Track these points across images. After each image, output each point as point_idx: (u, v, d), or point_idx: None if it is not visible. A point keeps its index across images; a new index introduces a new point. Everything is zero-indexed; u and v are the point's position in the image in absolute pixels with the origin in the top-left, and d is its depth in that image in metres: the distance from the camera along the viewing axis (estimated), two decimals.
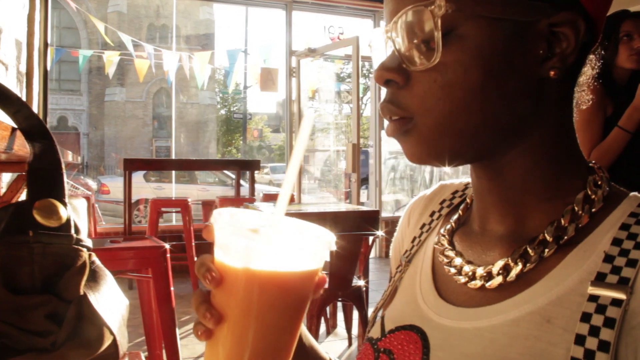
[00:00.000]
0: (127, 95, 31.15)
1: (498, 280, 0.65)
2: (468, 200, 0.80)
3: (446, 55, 0.60)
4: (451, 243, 0.75)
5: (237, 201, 6.14)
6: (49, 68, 5.92)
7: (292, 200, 6.13)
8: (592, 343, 0.54)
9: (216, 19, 33.69)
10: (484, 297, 0.67)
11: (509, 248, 0.67)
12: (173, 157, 21.71)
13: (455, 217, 0.79)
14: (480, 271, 0.68)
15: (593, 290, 0.57)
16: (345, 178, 8.09)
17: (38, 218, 0.76)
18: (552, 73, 0.63)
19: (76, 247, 0.78)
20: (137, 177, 13.89)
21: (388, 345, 0.73)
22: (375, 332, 0.77)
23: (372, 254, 6.84)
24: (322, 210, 4.13)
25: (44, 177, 0.81)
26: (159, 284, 2.41)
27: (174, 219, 8.97)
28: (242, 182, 6.98)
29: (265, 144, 34.80)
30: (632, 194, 0.66)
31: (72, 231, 0.78)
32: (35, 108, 5.48)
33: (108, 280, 0.84)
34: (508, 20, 0.60)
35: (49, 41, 5.88)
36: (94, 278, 0.82)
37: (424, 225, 0.85)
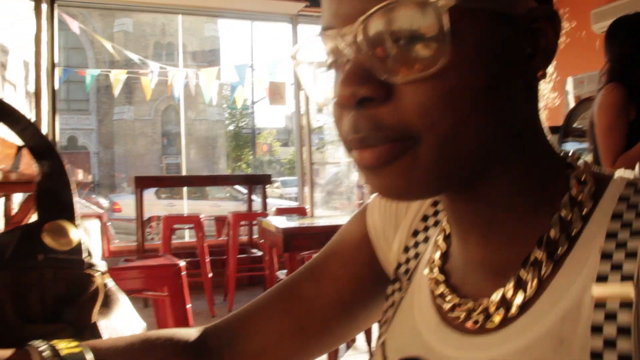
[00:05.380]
0: (135, 114, 31.31)
1: (499, 315, 0.57)
2: (444, 226, 0.68)
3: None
4: (442, 271, 0.65)
5: (250, 216, 6.11)
6: (56, 88, 5.91)
7: (304, 213, 6.08)
8: (611, 358, 0.47)
9: (221, 35, 33.95)
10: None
11: (502, 274, 0.58)
12: (183, 173, 21.71)
13: (441, 237, 0.68)
14: (476, 307, 0.59)
15: (598, 295, 0.49)
16: (357, 190, 8.05)
17: (48, 241, 0.72)
18: (539, 74, 0.55)
19: (88, 271, 0.73)
20: (149, 194, 13.92)
21: None
22: None
23: None
24: (333, 223, 4.08)
25: (53, 197, 0.76)
26: (175, 302, 2.37)
27: (186, 236, 8.92)
28: (253, 196, 6.95)
29: (274, 158, 34.86)
30: (616, 175, 0.58)
31: (84, 255, 0.74)
32: (45, 128, 5.49)
33: (123, 305, 0.80)
34: (502, 13, 0.51)
35: (56, 61, 5.88)
36: (107, 304, 0.77)
37: (416, 232, 0.73)
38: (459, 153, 0.51)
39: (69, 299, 0.71)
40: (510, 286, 0.56)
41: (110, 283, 0.79)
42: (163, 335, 0.73)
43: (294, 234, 3.48)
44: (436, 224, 0.72)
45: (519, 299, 0.55)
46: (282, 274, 4.44)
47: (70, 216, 0.76)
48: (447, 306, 0.62)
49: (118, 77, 8.94)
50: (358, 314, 0.78)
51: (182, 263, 2.41)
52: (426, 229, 0.73)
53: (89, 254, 0.75)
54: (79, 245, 0.74)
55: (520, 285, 0.55)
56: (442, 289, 0.63)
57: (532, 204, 0.57)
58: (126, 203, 15.58)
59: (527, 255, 0.56)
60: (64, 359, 0.59)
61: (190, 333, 0.77)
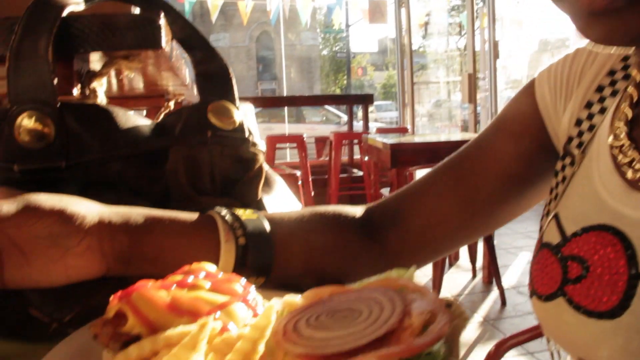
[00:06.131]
0: (230, 41, 31.61)
1: None
2: (631, 91, 0.64)
3: None
4: (630, 137, 0.61)
5: (351, 135, 6.13)
6: None
7: (405, 131, 6.04)
8: None
9: None
10: None
11: None
12: (284, 94, 21.84)
13: (626, 104, 0.64)
14: None
15: None
16: (460, 109, 7.89)
17: (213, 120, 0.74)
18: None
19: (252, 150, 0.75)
20: None
21: (576, 251, 0.61)
22: (552, 237, 0.65)
23: None
24: (435, 140, 4.03)
25: (213, 80, 0.79)
26: None
27: (288, 156, 9.07)
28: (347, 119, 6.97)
29: (369, 83, 34.55)
30: None
31: (246, 134, 0.76)
32: None
33: (281, 185, 0.82)
34: None
35: None
36: (268, 183, 0.79)
37: (590, 104, 0.68)
38: None
39: (235, 175, 0.74)
40: None
41: (266, 166, 0.81)
42: (331, 210, 0.75)
43: (401, 149, 3.46)
44: (614, 93, 0.67)
45: None
46: (386, 191, 4.46)
47: (231, 98, 0.78)
48: (638, 174, 0.58)
49: (215, 2, 9.00)
50: (525, 191, 0.76)
51: (298, 173, 2.45)
52: (602, 99, 0.68)
53: (250, 133, 0.77)
54: (242, 124, 0.75)
55: None
56: (631, 156, 0.60)
57: None
58: None
59: None
60: (244, 224, 0.62)
61: (356, 210, 0.78)
